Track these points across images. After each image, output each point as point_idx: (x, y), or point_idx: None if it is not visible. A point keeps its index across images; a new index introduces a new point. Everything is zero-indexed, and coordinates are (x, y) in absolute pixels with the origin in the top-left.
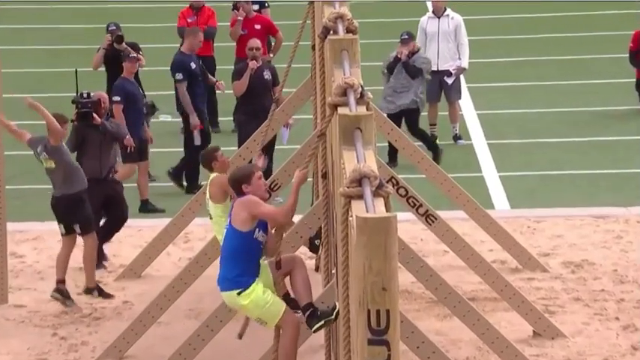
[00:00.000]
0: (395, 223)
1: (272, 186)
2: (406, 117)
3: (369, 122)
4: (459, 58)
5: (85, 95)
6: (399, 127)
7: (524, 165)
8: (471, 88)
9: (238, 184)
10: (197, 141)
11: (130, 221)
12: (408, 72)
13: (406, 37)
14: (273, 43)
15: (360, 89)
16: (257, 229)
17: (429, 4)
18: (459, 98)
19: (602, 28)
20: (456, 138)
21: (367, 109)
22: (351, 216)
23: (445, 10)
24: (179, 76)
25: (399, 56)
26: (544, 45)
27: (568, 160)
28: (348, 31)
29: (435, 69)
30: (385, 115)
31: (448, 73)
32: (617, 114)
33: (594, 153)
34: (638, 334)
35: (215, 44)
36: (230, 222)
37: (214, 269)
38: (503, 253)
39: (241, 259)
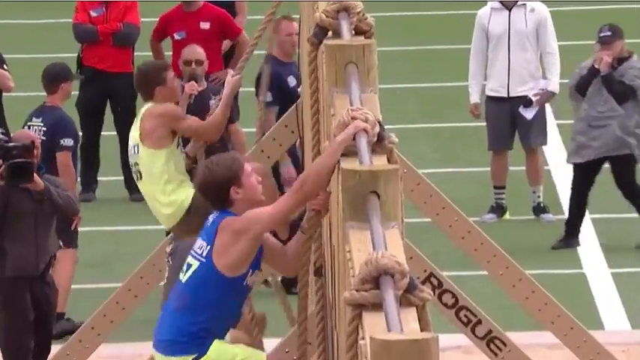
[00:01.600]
0: (436, 348)
1: None
2: (613, 166)
3: (392, 182)
4: (544, 77)
5: (2, 136)
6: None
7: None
8: (565, 126)
9: (223, 189)
10: None
11: None
12: (613, 92)
13: (608, 33)
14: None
15: (377, 128)
16: (250, 271)
17: None
18: (544, 143)
19: None
20: (539, 210)
21: (390, 162)
22: (363, 338)
23: None
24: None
25: (596, 66)
26: None
27: None
28: (358, 31)
29: (505, 95)
30: (577, 163)
31: (526, 102)
32: None
33: None
34: None
35: (137, 53)
36: (209, 256)
37: None
38: None
39: (214, 314)
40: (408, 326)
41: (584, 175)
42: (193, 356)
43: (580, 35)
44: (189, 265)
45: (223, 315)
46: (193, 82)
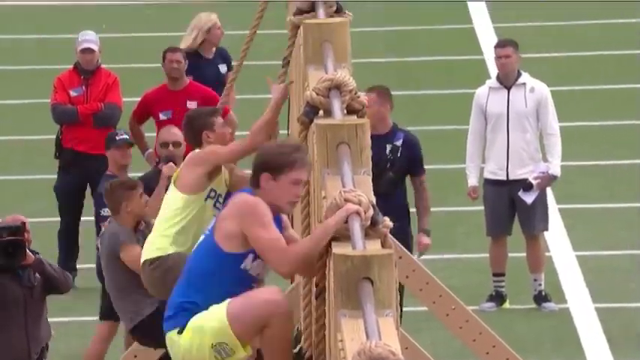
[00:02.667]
0: None
1: None
2: None
3: (386, 268)
4: (545, 160)
5: None
6: None
7: None
8: (567, 210)
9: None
10: None
11: None
12: None
13: None
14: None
15: (371, 212)
16: (248, 255)
17: (490, 64)
18: (545, 229)
19: None
20: (540, 298)
21: (384, 246)
22: None
23: (520, 75)
24: None
25: None
26: None
27: None
28: (350, 110)
29: (504, 178)
30: None
31: (526, 186)
32: None
33: None
34: None
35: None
36: (211, 229)
37: None
38: None
39: (206, 290)
40: None
41: None
42: (177, 329)
43: (581, 116)
44: (199, 245)
45: (215, 295)
46: (172, 164)
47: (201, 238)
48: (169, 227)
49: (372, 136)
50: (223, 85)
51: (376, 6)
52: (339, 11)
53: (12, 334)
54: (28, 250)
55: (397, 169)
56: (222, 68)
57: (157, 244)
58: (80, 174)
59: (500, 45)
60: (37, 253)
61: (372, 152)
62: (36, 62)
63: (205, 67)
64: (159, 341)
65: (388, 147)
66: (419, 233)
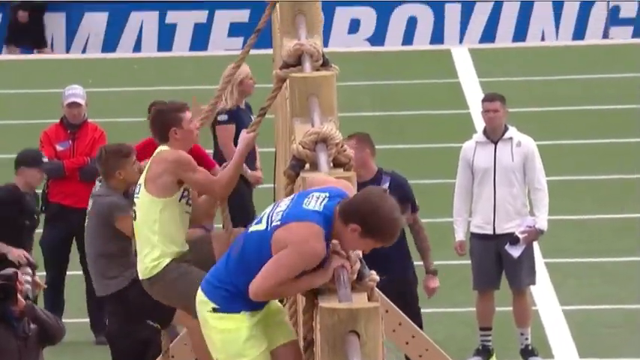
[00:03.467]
0: None
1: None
2: None
3: (372, 322)
4: (532, 214)
5: None
6: None
7: None
8: (554, 265)
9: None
10: None
11: None
12: None
13: None
14: None
15: (358, 265)
16: None
17: (476, 118)
18: (532, 283)
19: None
20: (527, 353)
21: (371, 300)
22: None
23: (507, 129)
24: None
25: None
26: None
27: None
28: (337, 164)
29: (490, 232)
30: None
31: (512, 240)
32: None
33: None
34: None
35: None
36: (272, 229)
37: None
38: None
39: (247, 280)
40: None
41: None
42: (214, 306)
43: (567, 170)
44: (260, 222)
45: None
46: None
47: (256, 227)
48: (152, 235)
49: (358, 184)
50: None
51: (362, 60)
52: (325, 65)
53: None
54: (19, 296)
55: None
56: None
57: (149, 259)
58: (66, 228)
59: (488, 99)
60: (29, 298)
61: None
62: (23, 117)
63: (244, 116)
64: (129, 312)
65: None
66: (427, 275)
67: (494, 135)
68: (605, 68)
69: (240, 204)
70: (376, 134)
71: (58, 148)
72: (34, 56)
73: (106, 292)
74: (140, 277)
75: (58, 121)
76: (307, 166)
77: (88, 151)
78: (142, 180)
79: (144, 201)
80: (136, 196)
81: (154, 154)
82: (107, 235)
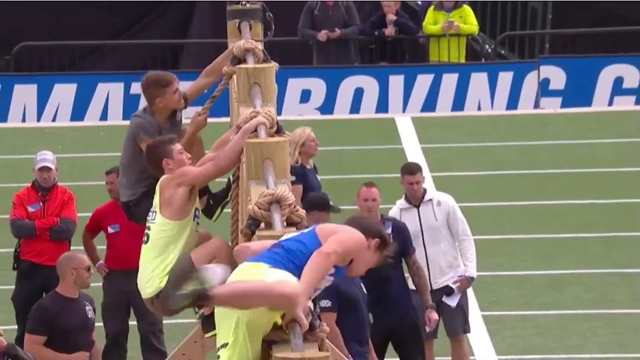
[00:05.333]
0: None
1: None
2: None
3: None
4: (462, 264)
5: None
6: None
7: None
8: (491, 317)
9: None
10: None
11: None
12: None
13: None
14: None
15: (309, 317)
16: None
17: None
18: (468, 331)
19: None
20: None
21: (321, 349)
22: None
23: (425, 191)
24: None
25: None
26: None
27: None
28: (290, 223)
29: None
30: None
31: (448, 291)
32: None
33: None
34: None
35: (73, 247)
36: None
37: None
38: None
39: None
40: None
41: None
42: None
43: (501, 230)
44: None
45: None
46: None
47: (301, 234)
48: (168, 255)
49: None
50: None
51: (313, 127)
52: (279, 131)
53: None
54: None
55: (394, 254)
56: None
57: (157, 280)
58: (37, 285)
59: (409, 172)
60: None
61: None
62: None
63: (310, 175)
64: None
65: None
66: (427, 310)
67: (415, 200)
68: (538, 135)
69: None
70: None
71: (30, 209)
72: (7, 124)
73: (122, 199)
74: (148, 296)
75: (29, 184)
76: (262, 225)
77: (58, 212)
78: (156, 207)
79: (159, 224)
80: (151, 221)
81: (158, 185)
82: (134, 151)
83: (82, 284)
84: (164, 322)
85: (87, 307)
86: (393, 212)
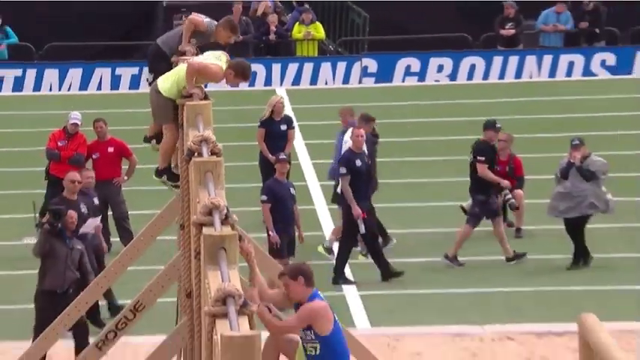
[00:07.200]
0: (259, 341)
1: (136, 306)
2: (578, 221)
3: (233, 242)
4: None
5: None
6: (578, 230)
7: (384, 284)
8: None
9: None
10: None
11: None
12: (583, 176)
13: (577, 142)
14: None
15: (225, 211)
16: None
17: None
18: None
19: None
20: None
21: (232, 230)
22: (216, 334)
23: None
24: None
25: (572, 161)
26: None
27: (426, 280)
28: (212, 153)
29: None
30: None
31: None
32: (473, 236)
33: (451, 272)
34: None
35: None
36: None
37: None
38: None
39: None
40: (243, 327)
41: (571, 227)
42: None
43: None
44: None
45: None
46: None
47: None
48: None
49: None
50: (284, 138)
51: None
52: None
53: (55, 276)
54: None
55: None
56: (283, 127)
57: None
58: (58, 190)
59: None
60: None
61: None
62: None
63: (274, 125)
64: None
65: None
66: None
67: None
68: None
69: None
70: None
71: (59, 143)
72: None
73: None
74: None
75: (62, 128)
76: (196, 154)
77: (75, 148)
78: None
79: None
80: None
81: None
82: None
83: (73, 191)
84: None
85: (81, 205)
86: None
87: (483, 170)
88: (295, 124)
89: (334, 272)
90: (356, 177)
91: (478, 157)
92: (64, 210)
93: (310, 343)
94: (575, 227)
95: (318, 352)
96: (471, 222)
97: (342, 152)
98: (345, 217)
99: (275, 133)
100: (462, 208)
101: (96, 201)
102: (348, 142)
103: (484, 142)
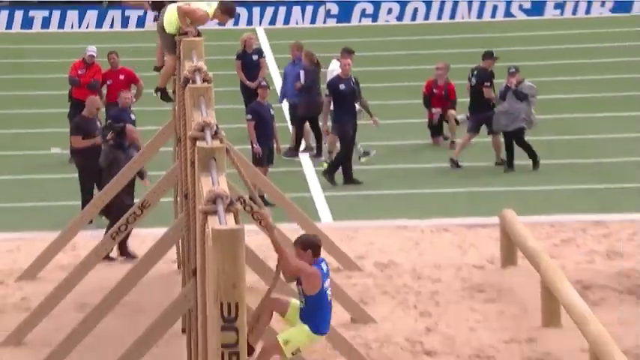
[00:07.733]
0: (242, 234)
1: (143, 204)
2: (516, 133)
3: (221, 153)
4: None
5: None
6: (513, 140)
7: (346, 186)
8: None
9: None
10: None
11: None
12: (518, 97)
13: (513, 70)
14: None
15: (215, 127)
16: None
17: None
18: None
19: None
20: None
21: (220, 143)
22: (208, 228)
23: None
24: None
25: (509, 85)
26: None
27: (381, 184)
28: (204, 80)
29: None
30: (505, 132)
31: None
32: (412, 147)
33: (402, 177)
34: (432, 319)
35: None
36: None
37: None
38: (328, 257)
39: None
40: (229, 223)
41: (509, 138)
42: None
43: None
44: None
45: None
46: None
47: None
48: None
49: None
50: (257, 67)
51: None
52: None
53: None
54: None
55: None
56: (255, 57)
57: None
58: (78, 110)
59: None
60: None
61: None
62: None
63: (247, 57)
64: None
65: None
66: None
67: None
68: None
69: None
70: None
71: (79, 72)
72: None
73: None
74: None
75: (81, 58)
76: (190, 82)
77: (92, 75)
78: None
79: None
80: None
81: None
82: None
83: (92, 112)
84: None
85: (97, 122)
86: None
87: (490, 94)
88: (267, 54)
89: (328, 169)
90: (342, 98)
91: (485, 83)
92: (123, 126)
93: (300, 296)
94: (513, 138)
95: (303, 306)
96: (472, 131)
97: (331, 78)
98: (339, 131)
99: (249, 63)
100: (456, 120)
101: (133, 116)
102: (335, 70)
103: (483, 69)
